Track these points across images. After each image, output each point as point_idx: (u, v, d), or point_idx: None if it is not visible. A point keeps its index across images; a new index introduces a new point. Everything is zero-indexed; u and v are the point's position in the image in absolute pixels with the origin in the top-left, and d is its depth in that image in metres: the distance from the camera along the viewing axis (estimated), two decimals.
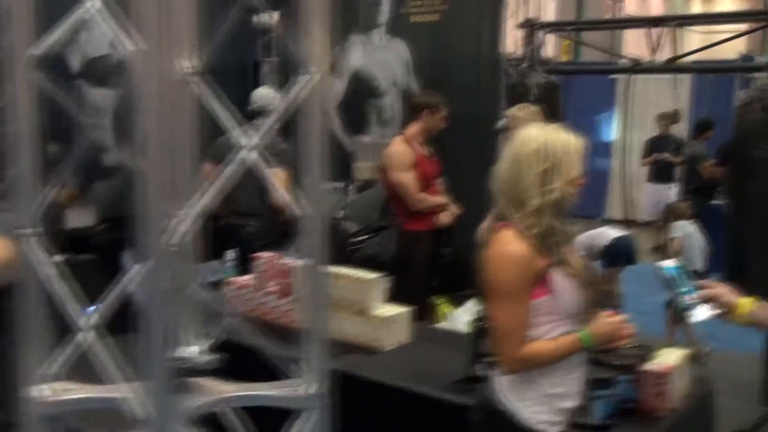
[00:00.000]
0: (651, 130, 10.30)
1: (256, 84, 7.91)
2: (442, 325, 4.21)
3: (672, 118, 10.02)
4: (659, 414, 2.70)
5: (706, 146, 8.88)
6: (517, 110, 4.94)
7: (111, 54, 6.64)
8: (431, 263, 5.07)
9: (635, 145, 10.84)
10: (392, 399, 3.02)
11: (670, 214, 6.16)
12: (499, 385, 2.21)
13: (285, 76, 7.72)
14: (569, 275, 2.13)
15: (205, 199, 1.44)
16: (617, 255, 3.25)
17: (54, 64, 1.67)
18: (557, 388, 2.16)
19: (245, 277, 3.91)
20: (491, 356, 2.97)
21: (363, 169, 6.65)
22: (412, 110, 5.01)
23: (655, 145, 9.90)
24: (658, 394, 2.70)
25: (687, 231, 6.06)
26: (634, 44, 9.77)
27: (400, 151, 4.94)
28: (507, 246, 2.11)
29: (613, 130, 12.07)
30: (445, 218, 5.04)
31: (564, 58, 6.15)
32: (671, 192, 9.52)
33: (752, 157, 4.66)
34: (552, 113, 5.68)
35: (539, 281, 2.10)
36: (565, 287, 2.12)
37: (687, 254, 5.81)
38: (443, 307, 4.79)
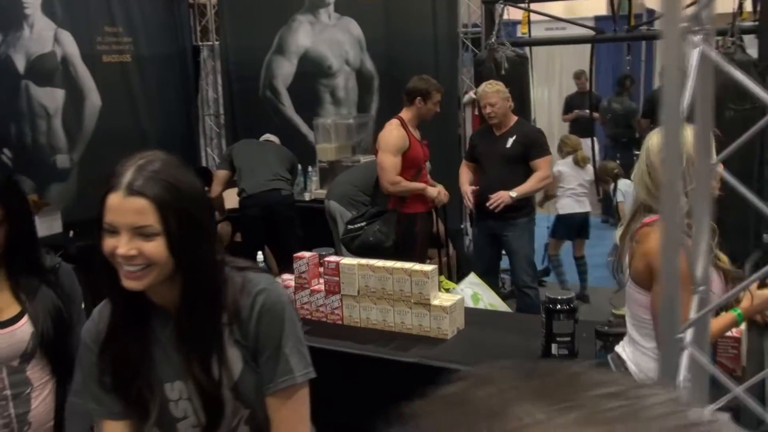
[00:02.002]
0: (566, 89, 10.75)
1: (197, 70, 7.75)
2: (479, 306, 4.37)
3: (585, 75, 10.47)
4: (735, 374, 2.95)
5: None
6: (487, 86, 5.11)
7: (54, 51, 6.35)
8: (430, 243, 5.22)
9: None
10: None
11: (606, 176, 6.47)
12: (639, 373, 2.36)
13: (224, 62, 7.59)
14: (717, 267, 2.31)
15: None
16: None
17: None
18: None
19: (284, 277, 3.93)
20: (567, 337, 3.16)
21: (325, 150, 6.66)
22: (406, 96, 5.06)
23: (575, 102, 10.32)
24: (733, 356, 2.95)
25: (626, 190, 6.39)
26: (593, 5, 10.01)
27: (394, 135, 4.99)
28: None
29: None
30: (439, 200, 5.18)
31: (523, 30, 6.32)
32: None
33: (723, 117, 4.99)
34: (523, 87, 5.88)
35: None
36: (714, 279, 2.30)
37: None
38: (444, 283, 4.94)
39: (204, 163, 7.86)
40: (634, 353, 2.39)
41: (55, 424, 2.22)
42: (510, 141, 5.07)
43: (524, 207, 5.16)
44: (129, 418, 1.65)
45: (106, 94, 6.74)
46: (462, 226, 6.43)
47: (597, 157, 8.19)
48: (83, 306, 2.30)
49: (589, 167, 6.68)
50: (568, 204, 6.57)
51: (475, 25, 6.50)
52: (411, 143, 5.01)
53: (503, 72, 5.60)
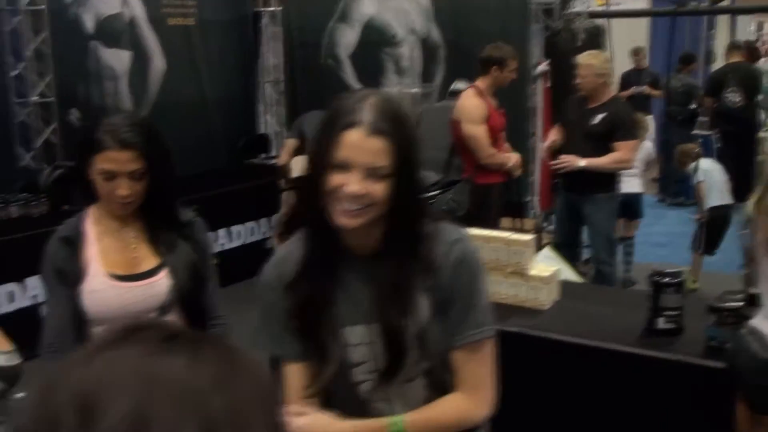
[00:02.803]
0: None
1: (257, 35, 7.69)
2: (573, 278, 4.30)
3: (643, 52, 10.30)
4: None
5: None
6: (584, 58, 4.99)
7: (122, 12, 6.32)
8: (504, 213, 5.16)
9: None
10: (589, 357, 3.10)
11: (686, 158, 6.30)
12: None
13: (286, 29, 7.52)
14: None
15: None
16: None
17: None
18: None
19: None
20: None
21: None
22: (481, 64, 4.98)
23: (631, 78, 10.15)
24: None
25: (706, 169, 6.23)
26: None
27: (474, 104, 4.93)
28: None
29: None
30: (516, 169, 5.11)
31: (598, 2, 6.19)
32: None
33: None
34: None
35: None
36: None
37: (713, 193, 6.00)
38: None
39: (263, 130, 7.82)
40: None
41: None
42: (598, 117, 4.93)
43: (606, 183, 5.03)
44: (308, 359, 1.63)
45: (170, 58, 6.71)
46: (528, 199, 6.35)
47: (653, 136, 8.09)
48: None
49: (645, 144, 6.48)
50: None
51: None
52: (490, 112, 4.94)
53: (579, 43, 5.50)
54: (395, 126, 1.46)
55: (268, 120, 7.95)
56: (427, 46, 6.92)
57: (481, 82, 5.01)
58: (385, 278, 1.55)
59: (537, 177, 6.28)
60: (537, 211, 6.30)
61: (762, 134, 8.80)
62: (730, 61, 8.23)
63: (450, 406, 1.62)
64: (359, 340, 1.61)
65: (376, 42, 7.10)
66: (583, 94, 4.98)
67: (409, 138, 1.50)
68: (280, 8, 7.59)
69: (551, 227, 6.06)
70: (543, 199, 6.32)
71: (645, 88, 9.90)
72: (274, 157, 7.27)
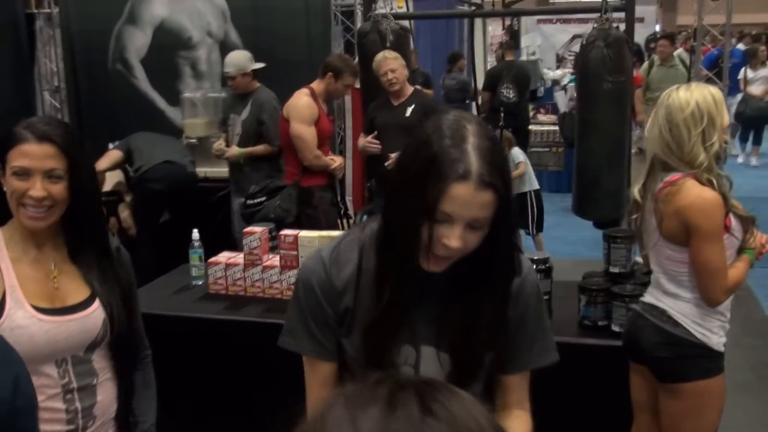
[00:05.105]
0: None
1: (32, 39, 7.09)
2: None
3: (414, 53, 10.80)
4: None
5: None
6: (387, 53, 5.12)
7: None
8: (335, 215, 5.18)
9: None
10: None
11: (507, 143, 6.77)
12: (684, 318, 2.52)
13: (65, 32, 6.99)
14: (736, 215, 2.49)
15: None
16: None
17: None
18: (727, 312, 2.55)
19: (225, 255, 3.73)
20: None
21: (194, 126, 6.33)
22: (320, 69, 4.99)
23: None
24: None
25: (520, 153, 6.79)
26: None
27: (305, 104, 4.88)
28: (705, 193, 2.40)
29: None
30: (339, 172, 5.15)
31: (398, 4, 6.37)
32: None
33: (601, 89, 5.35)
34: (408, 59, 5.94)
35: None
36: (737, 226, 2.48)
37: (531, 177, 6.59)
38: None
39: None
40: (676, 303, 2.54)
41: (117, 416, 1.98)
42: (409, 110, 5.10)
43: None
44: (353, 368, 1.56)
45: None
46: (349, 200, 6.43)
47: None
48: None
49: None
50: None
51: None
52: (320, 115, 4.93)
53: (388, 44, 5.62)
54: (501, 174, 1.36)
55: None
56: (225, 49, 6.73)
57: (317, 85, 5.00)
58: (465, 306, 1.50)
59: (349, 178, 6.37)
60: (351, 212, 6.38)
61: (531, 127, 9.61)
62: (506, 60, 8.86)
63: (525, 429, 1.63)
64: (404, 361, 1.55)
65: (170, 45, 6.79)
66: (395, 88, 5.09)
67: (510, 183, 1.42)
68: (56, 10, 7.02)
69: None
70: (356, 199, 6.42)
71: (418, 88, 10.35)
72: None
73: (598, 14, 5.41)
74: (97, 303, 1.88)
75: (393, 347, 1.53)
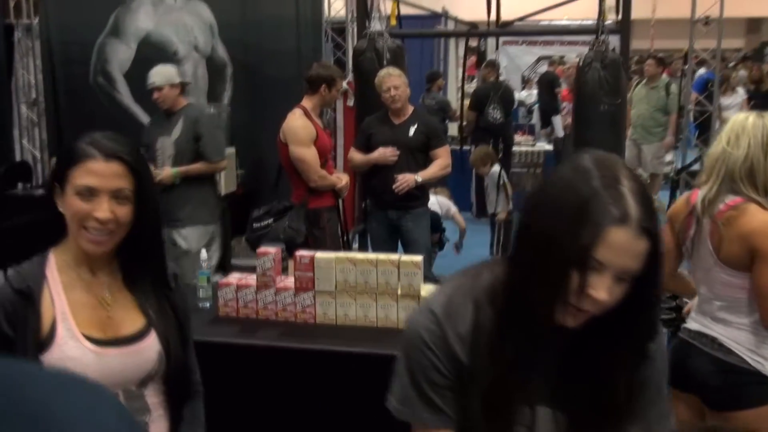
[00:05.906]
0: None
1: (10, 51, 6.88)
2: None
3: None
4: None
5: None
6: (390, 70, 5.05)
7: None
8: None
9: None
10: None
11: (488, 159, 6.73)
12: (738, 346, 2.46)
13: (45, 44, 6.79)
14: None
15: None
16: None
17: None
18: None
19: (236, 276, 3.60)
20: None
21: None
22: (309, 84, 4.83)
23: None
24: None
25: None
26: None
27: (301, 125, 4.75)
28: None
29: None
30: (345, 191, 5.04)
31: (392, 23, 6.29)
32: None
33: (597, 111, 5.35)
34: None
35: None
36: None
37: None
38: None
39: (19, 157, 6.97)
40: (728, 330, 2.48)
41: None
42: (412, 130, 5.02)
43: (422, 196, 5.15)
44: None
45: None
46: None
47: None
48: None
49: None
50: None
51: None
52: (318, 133, 4.81)
53: (385, 62, 5.56)
54: (655, 220, 1.24)
55: (25, 145, 7.11)
56: (212, 64, 6.61)
57: (308, 102, 4.85)
58: (595, 364, 1.36)
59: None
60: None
61: (516, 148, 9.60)
62: (489, 80, 8.84)
63: None
64: (533, 421, 1.42)
65: (154, 59, 6.60)
66: (397, 105, 5.00)
67: (660, 233, 1.28)
68: (36, 21, 6.82)
69: (356, 246, 6.07)
70: (349, 218, 6.30)
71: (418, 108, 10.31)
72: (39, 187, 6.51)
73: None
74: (152, 334, 1.74)
75: (512, 408, 1.39)
